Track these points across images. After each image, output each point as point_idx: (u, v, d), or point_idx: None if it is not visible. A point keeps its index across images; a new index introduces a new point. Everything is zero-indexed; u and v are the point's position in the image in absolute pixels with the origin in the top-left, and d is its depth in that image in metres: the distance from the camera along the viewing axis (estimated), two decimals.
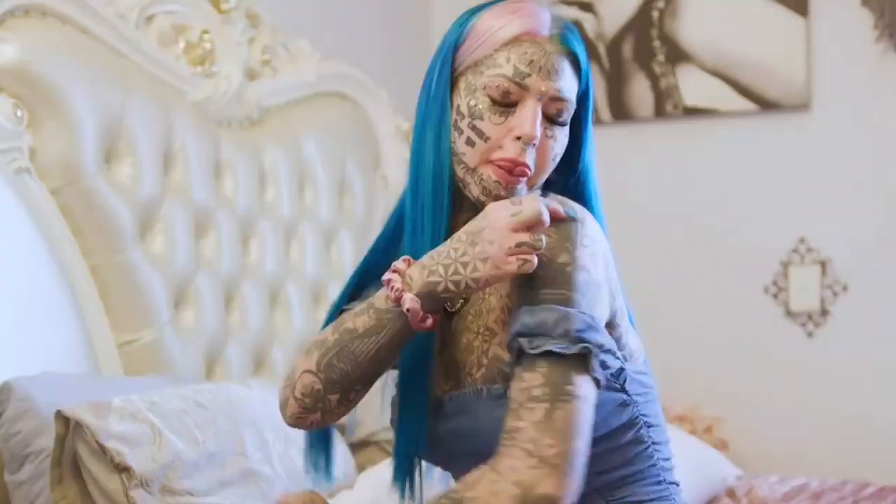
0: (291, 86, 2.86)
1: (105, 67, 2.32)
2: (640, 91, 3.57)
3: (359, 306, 1.40)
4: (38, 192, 2.18)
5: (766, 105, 3.42)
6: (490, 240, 1.29)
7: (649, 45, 3.56)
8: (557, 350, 1.26)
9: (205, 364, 2.48)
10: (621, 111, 3.60)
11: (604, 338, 1.31)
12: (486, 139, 1.39)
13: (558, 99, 1.40)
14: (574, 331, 1.27)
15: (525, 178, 1.40)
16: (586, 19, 3.61)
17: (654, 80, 3.56)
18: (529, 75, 1.39)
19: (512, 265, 1.28)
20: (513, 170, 1.38)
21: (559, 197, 1.41)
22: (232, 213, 2.60)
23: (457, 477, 1.45)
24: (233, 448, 2.09)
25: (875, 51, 3.30)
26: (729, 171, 3.50)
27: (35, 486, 1.98)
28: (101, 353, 2.27)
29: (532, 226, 1.29)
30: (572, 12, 3.60)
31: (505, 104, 1.40)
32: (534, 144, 1.39)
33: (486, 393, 1.38)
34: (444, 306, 1.41)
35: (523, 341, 1.29)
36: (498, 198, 1.38)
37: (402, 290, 1.34)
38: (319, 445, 1.55)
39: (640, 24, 3.57)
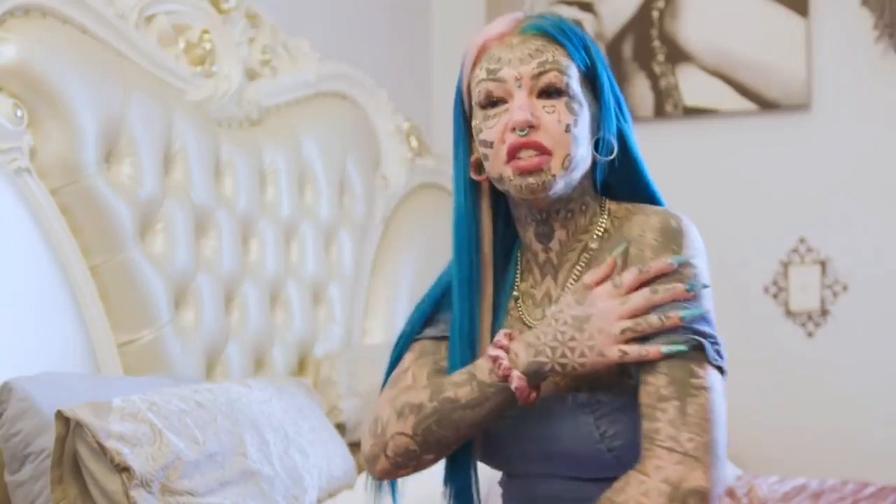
0: (291, 86, 2.86)
1: (105, 67, 2.32)
2: (640, 91, 3.57)
3: (459, 375, 1.41)
4: (38, 192, 2.17)
5: (766, 105, 3.42)
6: (599, 328, 1.33)
7: (649, 45, 3.56)
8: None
9: (205, 364, 2.48)
10: None
11: (714, 329, 1.35)
12: (491, 144, 1.41)
13: (541, 73, 1.40)
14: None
15: (544, 157, 1.38)
16: (586, 19, 3.61)
17: (654, 80, 3.56)
18: (501, 68, 1.41)
19: (615, 354, 1.32)
20: (517, 153, 1.39)
21: (656, 209, 1.46)
22: (232, 213, 2.60)
23: (523, 477, 1.47)
24: (233, 448, 2.09)
25: (875, 51, 3.30)
26: (729, 171, 3.50)
27: (35, 486, 1.98)
28: (101, 353, 2.27)
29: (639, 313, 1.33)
30: (572, 12, 3.60)
31: (493, 104, 1.41)
32: (532, 126, 1.38)
33: (571, 400, 1.40)
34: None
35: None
36: (530, 189, 1.39)
37: (511, 369, 1.36)
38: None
39: (640, 24, 3.57)
